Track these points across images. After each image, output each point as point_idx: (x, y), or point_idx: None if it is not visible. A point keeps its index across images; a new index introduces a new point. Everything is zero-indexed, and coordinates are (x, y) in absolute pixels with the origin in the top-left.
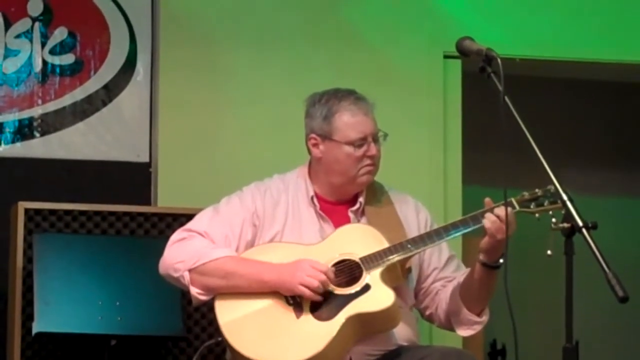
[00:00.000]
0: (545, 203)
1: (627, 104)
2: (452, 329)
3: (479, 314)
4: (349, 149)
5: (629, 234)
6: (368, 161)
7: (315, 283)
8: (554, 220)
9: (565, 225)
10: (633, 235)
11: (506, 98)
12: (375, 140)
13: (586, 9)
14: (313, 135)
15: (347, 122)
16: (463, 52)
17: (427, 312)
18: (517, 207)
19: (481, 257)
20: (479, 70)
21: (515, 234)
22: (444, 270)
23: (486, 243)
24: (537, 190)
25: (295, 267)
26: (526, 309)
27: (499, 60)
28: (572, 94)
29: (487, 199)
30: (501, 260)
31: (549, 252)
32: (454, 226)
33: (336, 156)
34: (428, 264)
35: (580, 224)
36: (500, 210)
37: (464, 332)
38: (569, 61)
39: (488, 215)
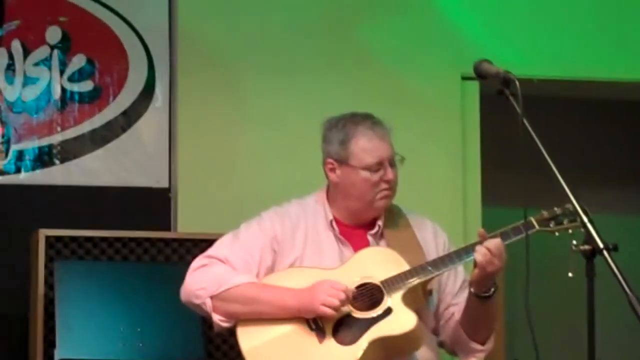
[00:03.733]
0: (565, 221)
1: None
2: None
3: (482, 343)
4: (365, 173)
5: None
6: (385, 185)
7: (336, 302)
8: (574, 242)
9: (586, 247)
10: None
11: (524, 120)
12: (392, 164)
13: (603, 29)
14: (330, 160)
15: (364, 147)
16: (481, 75)
17: (439, 338)
18: (537, 227)
19: (472, 289)
20: (496, 93)
21: (537, 253)
22: (458, 296)
23: (476, 275)
24: (555, 208)
25: (315, 288)
26: (548, 328)
27: (517, 82)
28: (591, 113)
29: (480, 230)
30: (492, 290)
31: (570, 274)
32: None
33: (353, 181)
34: (444, 289)
35: (601, 245)
36: (490, 243)
37: None
38: (587, 81)
39: (479, 248)
